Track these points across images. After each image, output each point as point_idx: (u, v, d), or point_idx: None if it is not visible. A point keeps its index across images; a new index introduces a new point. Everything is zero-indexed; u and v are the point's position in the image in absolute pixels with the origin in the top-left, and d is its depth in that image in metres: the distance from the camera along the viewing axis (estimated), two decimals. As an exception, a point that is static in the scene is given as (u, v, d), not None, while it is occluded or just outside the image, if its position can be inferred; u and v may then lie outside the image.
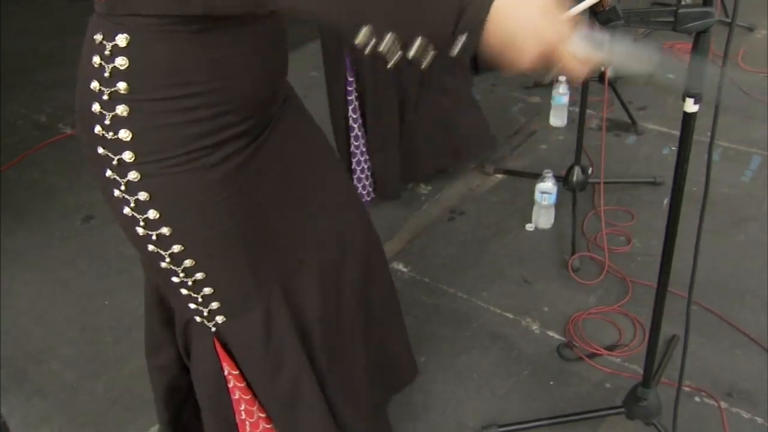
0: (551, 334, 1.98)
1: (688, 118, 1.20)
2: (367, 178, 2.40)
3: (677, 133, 1.25)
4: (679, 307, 1.61)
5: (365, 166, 2.38)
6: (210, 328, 1.17)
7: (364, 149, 2.35)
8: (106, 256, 2.38)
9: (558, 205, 2.39)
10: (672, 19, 1.09)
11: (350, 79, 2.24)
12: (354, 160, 2.36)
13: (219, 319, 1.15)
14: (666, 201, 2.43)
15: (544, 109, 3.06)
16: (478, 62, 3.20)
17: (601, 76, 2.87)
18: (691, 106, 1.19)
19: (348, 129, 2.31)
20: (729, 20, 1.09)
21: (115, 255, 2.36)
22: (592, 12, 1.10)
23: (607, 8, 1.10)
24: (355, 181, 2.39)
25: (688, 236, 1.29)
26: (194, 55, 0.92)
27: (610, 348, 1.92)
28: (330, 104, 2.35)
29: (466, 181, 2.66)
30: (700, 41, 1.12)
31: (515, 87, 3.28)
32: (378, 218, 2.44)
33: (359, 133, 2.31)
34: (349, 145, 2.34)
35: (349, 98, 2.26)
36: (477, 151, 2.65)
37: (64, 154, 3.02)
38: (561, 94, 2.90)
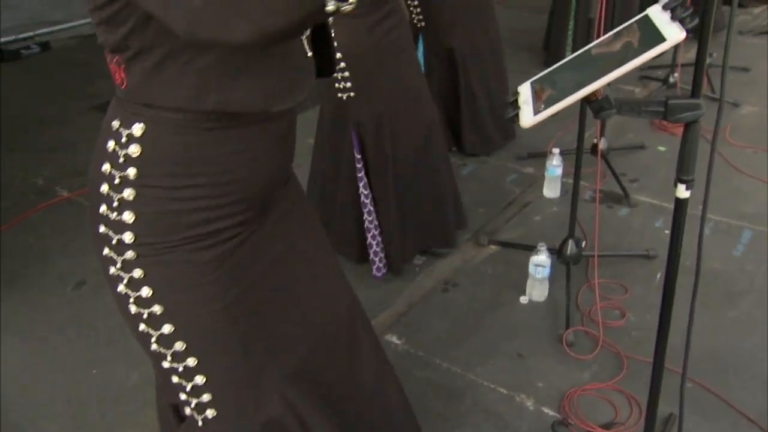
0: (546, 410, 1.95)
1: (680, 204, 1.21)
2: (382, 251, 2.40)
3: (669, 205, 1.26)
4: (674, 384, 1.59)
5: (379, 240, 2.38)
6: (197, 422, 1.13)
7: (377, 222, 2.35)
8: (96, 325, 2.35)
9: (552, 278, 2.38)
10: (663, 110, 1.12)
11: (358, 156, 2.26)
12: (369, 235, 2.36)
13: (209, 413, 1.12)
14: (660, 275, 2.43)
15: (538, 179, 3.09)
16: (464, 144, 3.27)
17: (594, 148, 2.92)
18: (682, 192, 1.21)
19: (360, 205, 2.32)
20: (717, 96, 1.12)
21: (106, 324, 2.33)
22: (585, 100, 1.13)
23: (600, 98, 1.13)
24: (372, 255, 2.40)
25: (682, 311, 1.29)
26: (205, 150, 0.96)
27: (606, 426, 1.88)
28: (333, 180, 2.38)
29: (460, 252, 2.66)
30: (689, 131, 1.14)
31: (509, 158, 3.32)
32: (372, 290, 2.46)
33: (372, 209, 2.32)
34: (362, 222, 2.35)
35: (359, 175, 2.28)
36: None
37: (61, 217, 3.02)
38: (554, 166, 2.94)
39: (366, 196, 2.30)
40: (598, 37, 2.10)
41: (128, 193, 0.97)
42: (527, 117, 1.09)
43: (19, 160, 3.54)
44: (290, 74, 0.99)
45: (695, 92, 1.12)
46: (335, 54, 1.13)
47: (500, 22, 3.25)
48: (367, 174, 2.30)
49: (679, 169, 1.19)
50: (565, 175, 2.98)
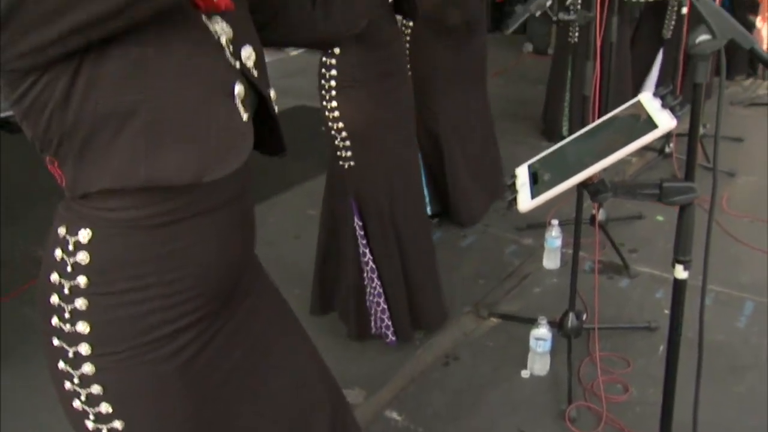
0: (551, 491, 1.90)
1: (679, 285, 1.22)
2: (388, 318, 2.39)
3: (669, 276, 1.25)
4: (681, 464, 1.55)
5: (385, 307, 2.37)
6: None
7: (381, 290, 2.34)
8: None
9: (553, 351, 2.36)
10: (658, 192, 1.14)
11: (359, 223, 2.27)
12: (373, 303, 2.36)
13: None
14: (662, 348, 2.41)
15: (537, 250, 3.10)
16: (463, 217, 3.30)
17: (592, 219, 2.94)
18: (681, 273, 1.21)
19: (362, 276, 2.32)
20: (711, 166, 1.14)
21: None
22: (582, 184, 1.15)
23: (596, 181, 1.15)
24: (378, 322, 2.39)
25: (686, 385, 1.27)
26: (153, 249, 0.93)
27: None
28: (336, 250, 2.39)
29: (460, 325, 2.64)
30: (685, 213, 1.15)
31: (508, 229, 3.34)
32: (371, 364, 2.43)
33: (375, 277, 2.32)
34: (364, 292, 2.35)
35: (362, 242, 2.28)
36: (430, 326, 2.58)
37: (59, 289, 3.00)
38: (554, 237, 2.95)
39: (367, 263, 2.30)
40: (593, 114, 2.17)
41: (80, 303, 0.92)
42: (525, 201, 1.11)
43: (21, 231, 3.55)
44: (222, 137, 0.92)
45: (689, 174, 1.14)
46: (280, 131, 1.09)
47: (498, 92, 3.35)
48: (368, 243, 2.31)
49: (677, 250, 1.20)
50: (564, 245, 2.99)
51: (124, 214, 0.90)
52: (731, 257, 2.98)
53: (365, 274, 2.32)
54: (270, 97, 1.04)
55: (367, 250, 2.28)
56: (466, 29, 3.04)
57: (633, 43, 4.37)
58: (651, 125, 1.04)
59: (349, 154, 2.19)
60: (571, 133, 4.41)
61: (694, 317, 1.26)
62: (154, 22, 0.83)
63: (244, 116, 0.96)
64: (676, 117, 1.02)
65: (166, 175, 0.88)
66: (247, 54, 0.98)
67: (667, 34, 4.18)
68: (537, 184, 1.14)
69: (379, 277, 2.31)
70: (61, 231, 0.94)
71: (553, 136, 4.26)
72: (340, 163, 2.22)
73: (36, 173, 4.43)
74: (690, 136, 1.10)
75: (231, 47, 0.95)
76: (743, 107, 4.87)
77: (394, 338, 2.41)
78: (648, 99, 1.11)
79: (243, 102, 0.95)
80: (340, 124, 2.14)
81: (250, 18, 1.06)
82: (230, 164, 0.94)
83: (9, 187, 4.03)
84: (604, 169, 1.14)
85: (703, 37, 1.01)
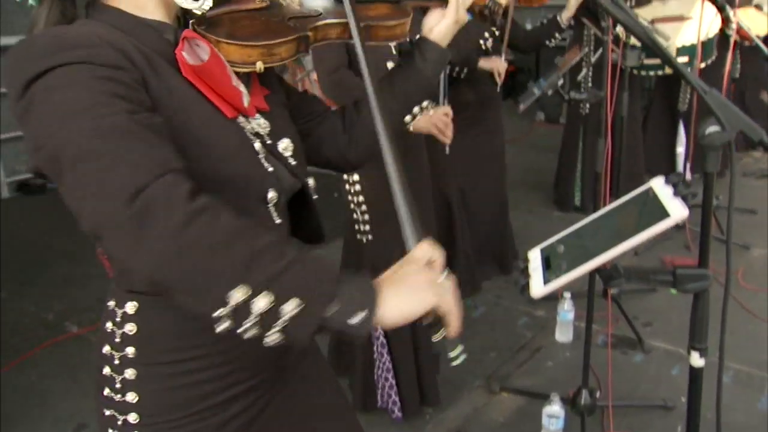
0: None
1: (695, 373, 1.19)
2: (396, 394, 2.36)
3: (685, 352, 1.22)
4: None
5: (393, 382, 2.34)
6: None
7: (390, 365, 2.32)
8: (94, 472, 2.26)
9: (566, 429, 2.29)
10: (671, 279, 1.13)
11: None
12: (381, 378, 2.33)
13: None
14: (680, 429, 2.34)
15: (550, 322, 3.06)
16: (464, 286, 3.28)
17: (605, 291, 2.91)
18: (697, 361, 1.19)
19: (372, 350, 2.31)
20: (724, 238, 1.13)
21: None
22: (595, 270, 1.14)
23: (609, 267, 1.14)
24: (385, 396, 2.36)
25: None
26: (199, 320, 0.92)
27: None
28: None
29: (471, 399, 2.59)
30: (699, 300, 1.14)
31: (520, 300, 3.31)
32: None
33: (386, 354, 2.30)
34: (373, 367, 2.34)
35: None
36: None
37: (65, 356, 2.99)
38: (566, 311, 2.92)
39: (378, 338, 2.29)
40: (605, 189, 2.18)
41: (130, 374, 0.96)
42: (537, 287, 1.11)
43: (32, 294, 3.57)
44: None
45: (703, 260, 1.14)
46: (320, 220, 1.13)
47: (510, 160, 3.37)
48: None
49: (692, 337, 1.18)
50: (576, 318, 2.95)
51: None
52: (749, 333, 2.93)
53: (376, 348, 2.30)
54: (308, 186, 1.08)
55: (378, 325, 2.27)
56: (479, 106, 3.10)
57: (648, 116, 4.43)
58: (663, 213, 1.04)
59: (367, 228, 2.21)
60: (583, 204, 4.45)
61: (712, 396, 1.23)
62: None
63: (277, 220, 1.00)
64: (688, 206, 1.03)
65: None
66: (285, 146, 1.03)
67: (683, 106, 4.21)
68: (550, 269, 1.14)
69: (389, 353, 2.29)
70: (111, 304, 0.99)
71: (566, 206, 4.27)
72: (358, 237, 2.24)
73: (50, 236, 4.50)
74: (702, 224, 1.10)
75: (268, 140, 1.00)
76: (756, 178, 4.88)
77: (400, 414, 2.37)
78: (660, 185, 1.12)
79: (276, 205, 0.99)
80: (361, 198, 2.17)
81: (286, 111, 1.12)
82: None
83: (21, 249, 4.07)
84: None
85: (713, 129, 1.02)
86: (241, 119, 0.97)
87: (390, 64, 2.06)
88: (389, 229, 2.24)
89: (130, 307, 0.95)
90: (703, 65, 3.50)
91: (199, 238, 0.73)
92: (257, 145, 0.97)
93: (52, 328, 3.23)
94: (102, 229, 0.76)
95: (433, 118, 2.20)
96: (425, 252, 0.85)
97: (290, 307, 0.74)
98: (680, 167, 4.53)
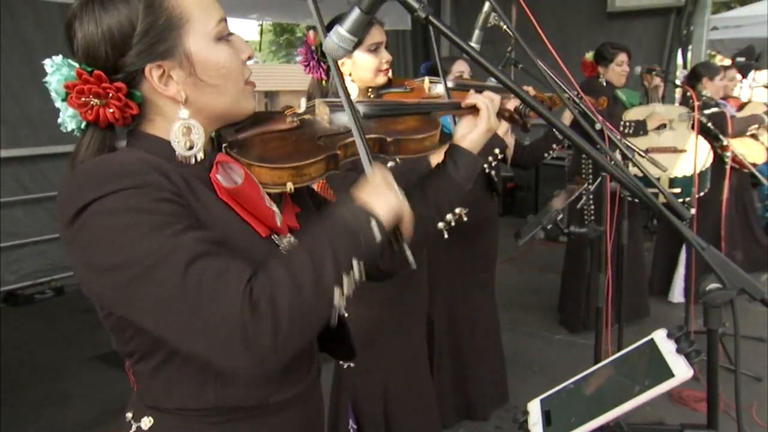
0: None
1: None
2: None
3: None
4: None
5: None
6: None
7: None
8: None
9: None
10: (679, 440, 1.10)
11: (354, 426, 2.20)
12: None
13: None
14: None
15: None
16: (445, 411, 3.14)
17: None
18: None
19: None
20: (733, 368, 1.09)
21: None
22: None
23: (612, 425, 1.11)
24: None
25: None
26: None
27: None
28: None
29: None
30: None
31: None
32: None
33: None
34: None
35: None
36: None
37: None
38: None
39: (351, 427, 2.20)
40: (607, 325, 2.16)
41: None
42: (538, 447, 1.07)
43: (9, 414, 3.45)
44: (288, 363, 0.99)
45: (712, 423, 1.10)
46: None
47: (509, 279, 3.32)
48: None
49: None
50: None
51: (184, 413, 1.00)
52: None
53: None
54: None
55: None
56: (477, 228, 3.10)
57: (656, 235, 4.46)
58: (667, 372, 1.03)
59: (345, 314, 2.17)
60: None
61: None
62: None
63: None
64: (692, 366, 1.01)
65: (233, 401, 0.99)
66: None
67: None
68: (550, 426, 1.11)
69: None
70: (129, 415, 1.06)
71: (574, 327, 4.20)
72: (339, 361, 2.20)
73: (37, 349, 4.41)
74: (709, 386, 1.08)
75: None
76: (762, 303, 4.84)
77: None
78: (662, 339, 1.11)
79: None
80: None
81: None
82: (294, 386, 1.06)
83: (6, 364, 3.98)
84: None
85: (713, 285, 1.02)
86: (274, 237, 1.04)
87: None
88: (369, 358, 2.19)
89: (146, 422, 1.02)
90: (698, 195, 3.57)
91: (292, 306, 0.86)
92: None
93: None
94: (216, 343, 0.84)
95: None
96: (380, 172, 1.01)
97: (355, 267, 0.94)
98: (678, 289, 4.52)
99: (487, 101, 1.26)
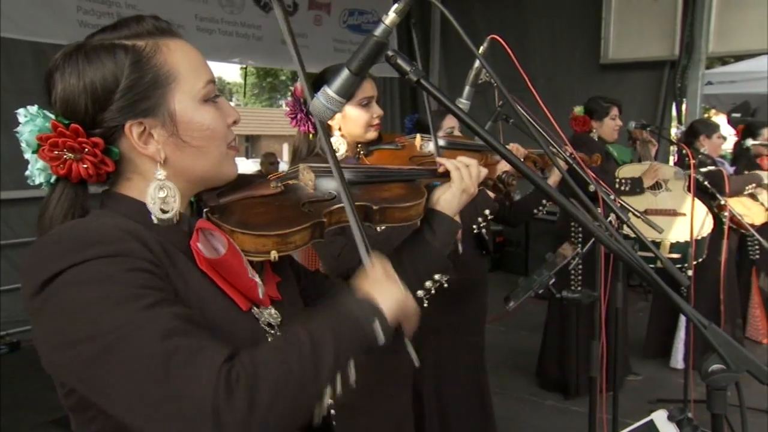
0: None
1: None
2: None
3: None
4: None
5: None
6: None
7: None
8: None
9: None
10: None
11: None
12: None
13: None
14: None
15: None
16: None
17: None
18: None
19: None
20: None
21: None
22: None
23: None
24: None
25: None
26: None
27: None
28: None
29: None
30: None
31: None
32: None
33: None
34: None
35: None
36: None
37: None
38: None
39: None
40: (601, 388, 2.13)
41: None
42: None
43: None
44: None
45: None
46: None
47: (496, 340, 3.28)
48: None
49: None
50: None
51: None
52: None
53: None
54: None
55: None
56: (464, 291, 3.08)
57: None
58: (668, 459, 1.01)
59: (333, 412, 2.13)
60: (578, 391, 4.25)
61: None
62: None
63: None
64: (695, 453, 0.99)
65: None
66: None
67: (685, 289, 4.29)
68: None
69: None
70: None
71: (567, 392, 4.14)
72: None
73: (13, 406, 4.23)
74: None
75: (279, 332, 1.05)
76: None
77: None
78: (663, 422, 1.09)
79: None
80: None
81: (298, 296, 1.18)
82: None
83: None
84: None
85: (717, 366, 1.01)
86: (255, 310, 1.02)
87: None
88: (355, 421, 2.16)
89: None
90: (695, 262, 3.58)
91: (275, 394, 0.84)
92: (269, 338, 1.02)
93: None
94: (185, 427, 0.81)
95: None
96: (380, 264, 1.03)
97: (351, 368, 0.94)
98: (680, 355, 4.50)
99: (459, 164, 1.27)
